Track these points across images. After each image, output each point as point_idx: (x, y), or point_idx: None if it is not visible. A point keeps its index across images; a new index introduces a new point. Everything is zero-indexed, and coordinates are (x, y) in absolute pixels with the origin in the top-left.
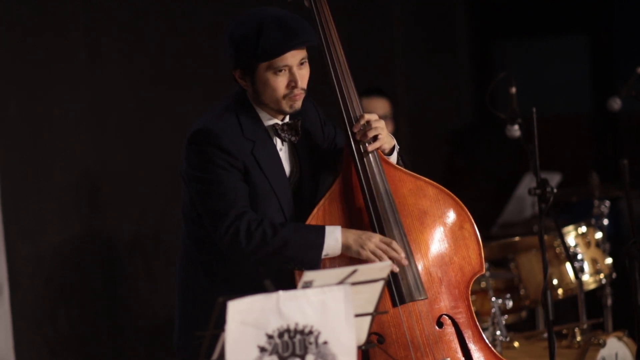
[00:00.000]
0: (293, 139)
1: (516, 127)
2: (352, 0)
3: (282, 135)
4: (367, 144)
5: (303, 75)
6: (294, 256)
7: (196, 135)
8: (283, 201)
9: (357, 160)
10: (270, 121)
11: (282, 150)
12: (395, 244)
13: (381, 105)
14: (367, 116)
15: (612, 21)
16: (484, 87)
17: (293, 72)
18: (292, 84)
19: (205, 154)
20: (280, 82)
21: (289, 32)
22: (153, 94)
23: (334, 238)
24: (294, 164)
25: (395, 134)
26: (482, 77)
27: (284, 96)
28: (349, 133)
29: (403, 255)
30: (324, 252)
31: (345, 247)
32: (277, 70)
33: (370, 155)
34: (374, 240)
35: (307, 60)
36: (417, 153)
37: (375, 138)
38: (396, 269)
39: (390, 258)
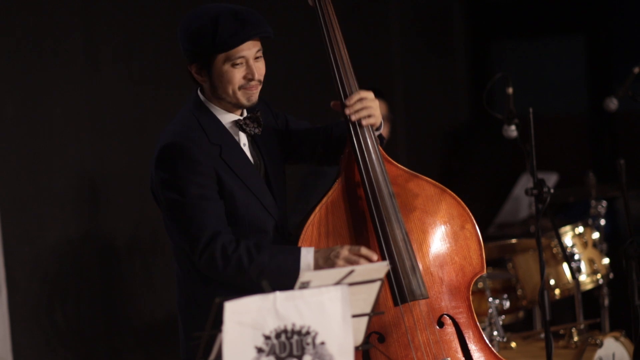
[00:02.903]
0: (257, 130)
1: (513, 127)
2: (349, 2)
3: (247, 129)
4: (360, 121)
5: (259, 68)
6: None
7: (163, 152)
8: (263, 198)
9: (360, 161)
10: (230, 118)
11: (246, 145)
12: (364, 250)
13: (380, 107)
14: (362, 93)
15: (608, 21)
16: (481, 88)
17: (250, 64)
18: (248, 75)
19: (176, 171)
20: (237, 74)
21: (245, 23)
22: (151, 95)
23: (307, 263)
24: (257, 157)
25: (393, 134)
26: (479, 77)
27: (240, 87)
28: (351, 133)
29: (375, 257)
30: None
31: (318, 269)
32: (234, 63)
33: (373, 155)
34: (343, 253)
35: (262, 54)
36: (414, 153)
37: (368, 116)
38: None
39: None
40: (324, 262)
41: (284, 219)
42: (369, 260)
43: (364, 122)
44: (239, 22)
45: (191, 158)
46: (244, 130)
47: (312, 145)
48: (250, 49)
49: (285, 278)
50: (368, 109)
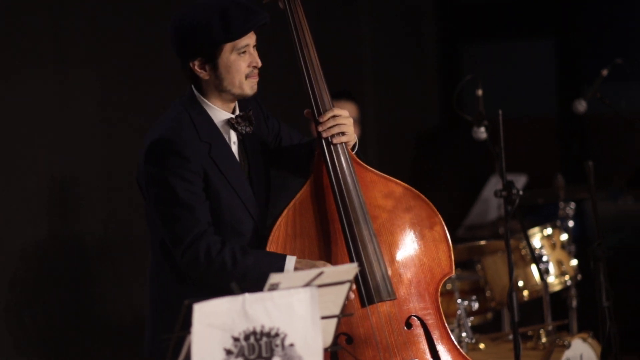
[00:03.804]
0: (248, 129)
1: (482, 129)
2: (320, 3)
3: (239, 127)
4: (332, 137)
5: (258, 56)
6: (251, 288)
7: (153, 146)
8: (245, 199)
9: (328, 161)
10: (222, 116)
11: (236, 144)
12: None
13: (349, 109)
14: (335, 110)
15: (578, 24)
16: (451, 90)
17: (252, 52)
18: (253, 63)
19: (165, 166)
20: (243, 63)
21: (250, 11)
22: (119, 97)
23: (288, 272)
24: (243, 157)
25: (363, 136)
26: (449, 80)
27: (247, 76)
28: (322, 140)
29: (354, 287)
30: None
31: None
32: (240, 51)
33: (341, 156)
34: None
35: None
36: (384, 155)
37: (341, 133)
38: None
39: None
40: None
41: (263, 222)
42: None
43: (335, 140)
44: (245, 11)
45: (180, 155)
46: (235, 129)
47: (299, 159)
48: (252, 37)
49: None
50: (340, 126)
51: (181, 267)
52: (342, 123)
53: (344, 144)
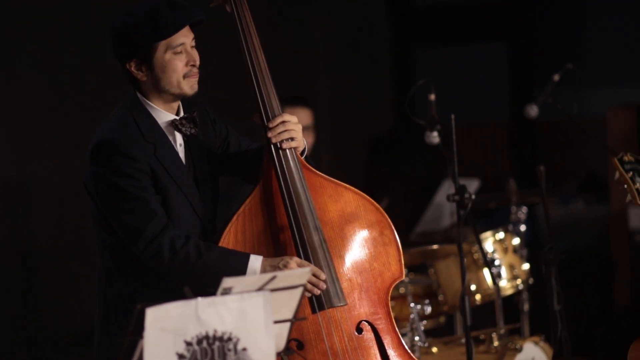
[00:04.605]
0: (193, 131)
1: (435, 133)
2: (272, 8)
3: (183, 129)
4: (281, 143)
5: (197, 55)
6: (214, 283)
7: (98, 147)
8: (193, 200)
9: (278, 166)
10: (166, 117)
11: (182, 146)
12: (313, 267)
13: (304, 115)
14: (285, 116)
15: (530, 29)
16: (405, 95)
17: (189, 51)
18: (190, 62)
19: (111, 165)
20: (179, 62)
21: (181, 9)
22: (71, 99)
23: (253, 270)
24: (189, 159)
25: (316, 141)
26: (402, 84)
27: (185, 76)
28: (271, 145)
29: (323, 277)
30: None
31: None
32: (175, 51)
33: (290, 161)
34: (291, 265)
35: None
36: (338, 159)
37: (290, 139)
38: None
39: (309, 282)
40: (271, 270)
41: (212, 224)
42: (317, 277)
43: (284, 145)
44: (175, 8)
45: (126, 154)
46: (179, 130)
47: (248, 165)
48: (187, 36)
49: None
50: (290, 132)
51: (143, 260)
52: (292, 129)
53: (293, 149)
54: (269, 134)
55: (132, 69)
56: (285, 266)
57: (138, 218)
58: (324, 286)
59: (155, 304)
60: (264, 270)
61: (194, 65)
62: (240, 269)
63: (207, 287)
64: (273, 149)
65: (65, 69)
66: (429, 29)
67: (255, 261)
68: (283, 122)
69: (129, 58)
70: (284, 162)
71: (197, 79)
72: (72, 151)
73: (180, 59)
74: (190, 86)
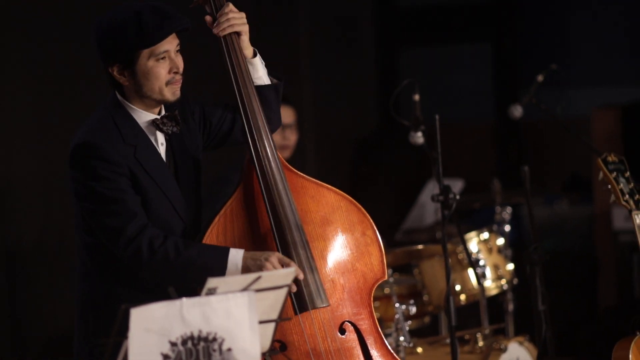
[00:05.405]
0: (175, 129)
1: (419, 133)
2: (256, 7)
3: (164, 128)
4: (222, 30)
5: (180, 62)
6: (195, 279)
7: (77, 150)
8: (174, 201)
9: (258, 167)
10: (147, 117)
11: (164, 145)
12: (293, 264)
13: (287, 113)
14: (225, 9)
15: (514, 30)
16: (389, 95)
17: (172, 57)
18: (174, 69)
19: (89, 169)
20: (162, 69)
21: (166, 17)
22: (55, 99)
23: (234, 264)
24: (169, 158)
25: (301, 140)
26: (387, 84)
27: (167, 83)
28: (249, 141)
29: (302, 276)
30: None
31: (246, 271)
32: (158, 58)
33: (272, 163)
34: (272, 260)
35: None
36: (322, 159)
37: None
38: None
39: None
40: (253, 264)
41: (195, 224)
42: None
43: (228, 30)
44: (160, 16)
45: (104, 157)
46: (161, 130)
47: (232, 120)
48: (172, 43)
49: (210, 275)
50: (230, 20)
51: (124, 261)
52: (232, 17)
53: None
54: (215, 30)
55: (115, 73)
56: (267, 259)
57: (117, 220)
58: (302, 276)
59: (133, 304)
60: (245, 263)
61: (177, 72)
62: (220, 263)
63: (190, 283)
64: (253, 152)
65: (51, 69)
66: (414, 30)
67: (237, 254)
68: (227, 15)
69: (112, 62)
70: (265, 166)
71: (179, 85)
72: (57, 151)
73: (164, 66)
74: (172, 93)
